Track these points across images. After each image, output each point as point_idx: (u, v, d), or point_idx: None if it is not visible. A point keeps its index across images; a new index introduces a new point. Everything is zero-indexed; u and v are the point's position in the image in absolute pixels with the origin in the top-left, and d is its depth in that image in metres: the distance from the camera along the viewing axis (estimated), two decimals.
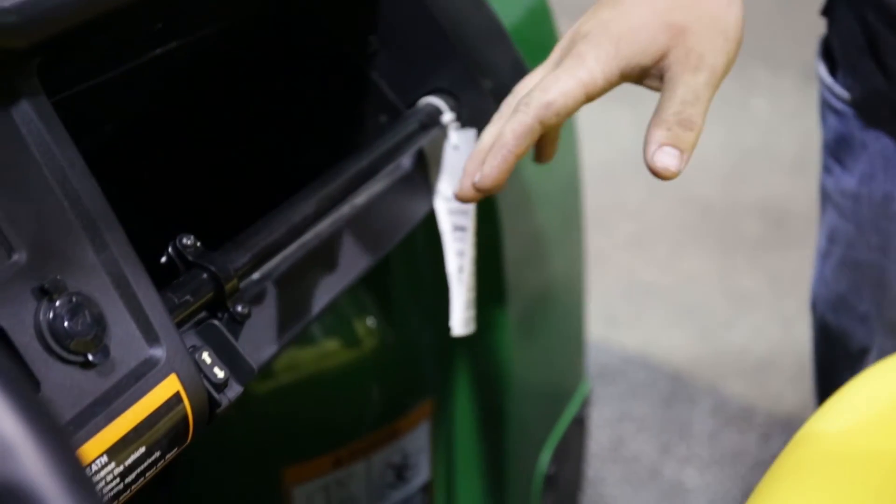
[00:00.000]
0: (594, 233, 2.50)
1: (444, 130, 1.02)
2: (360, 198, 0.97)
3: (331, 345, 1.19)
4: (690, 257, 2.66)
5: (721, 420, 2.17)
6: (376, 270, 1.08)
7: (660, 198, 2.83)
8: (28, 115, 0.72)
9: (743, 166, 3.00)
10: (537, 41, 1.18)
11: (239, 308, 0.83)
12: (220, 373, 0.77)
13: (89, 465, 0.66)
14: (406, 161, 1.01)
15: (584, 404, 1.42)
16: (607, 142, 2.98)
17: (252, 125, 1.06)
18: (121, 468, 0.68)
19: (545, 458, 1.33)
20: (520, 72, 1.04)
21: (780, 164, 2.98)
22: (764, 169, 2.99)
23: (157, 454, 0.71)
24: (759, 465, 2.07)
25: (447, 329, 1.13)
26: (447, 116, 1.02)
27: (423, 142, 1.01)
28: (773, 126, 3.10)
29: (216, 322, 0.81)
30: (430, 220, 1.05)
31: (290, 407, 1.17)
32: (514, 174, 1.20)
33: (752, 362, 2.33)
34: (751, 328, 2.45)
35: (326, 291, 0.94)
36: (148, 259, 0.79)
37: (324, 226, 0.94)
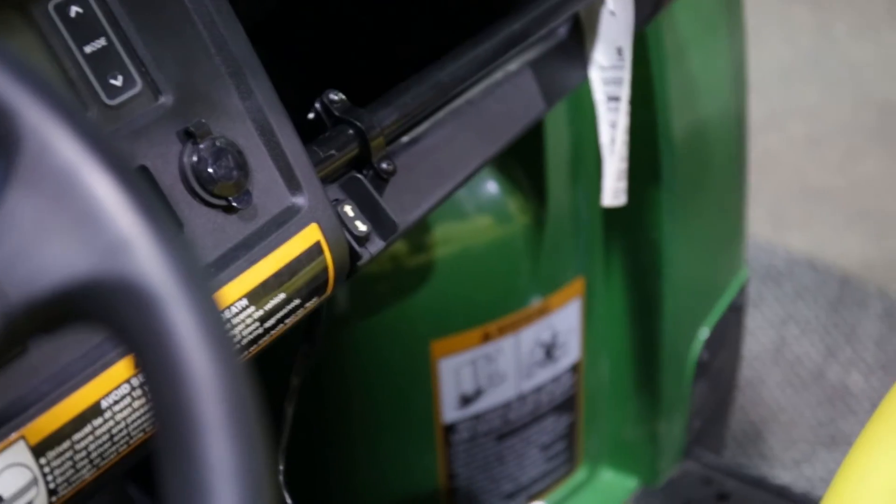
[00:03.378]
0: (767, 133, 2.45)
1: None
2: (513, 63, 0.97)
3: (482, 219, 1.19)
4: (866, 160, 2.58)
5: (890, 325, 2.13)
6: (527, 143, 1.08)
7: (837, 99, 2.76)
8: None
9: None
10: None
11: (384, 166, 0.84)
12: (362, 226, 0.79)
13: (229, 307, 0.69)
14: (561, 28, 1.00)
15: (742, 292, 1.41)
16: (785, 42, 2.93)
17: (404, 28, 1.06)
18: (260, 312, 0.70)
19: (698, 344, 1.33)
20: None
21: None
22: None
23: (297, 302, 0.72)
24: None
25: (600, 206, 1.13)
26: None
27: (580, 6, 0.99)
28: None
29: (360, 176, 0.82)
30: (585, 91, 1.05)
31: (439, 280, 1.18)
32: (678, 56, 1.20)
33: None
34: None
35: (474, 157, 0.94)
36: (296, 116, 0.80)
37: (475, 91, 0.94)
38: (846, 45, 2.91)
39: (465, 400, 1.20)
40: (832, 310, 2.16)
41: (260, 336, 0.70)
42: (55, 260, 0.46)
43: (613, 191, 1.05)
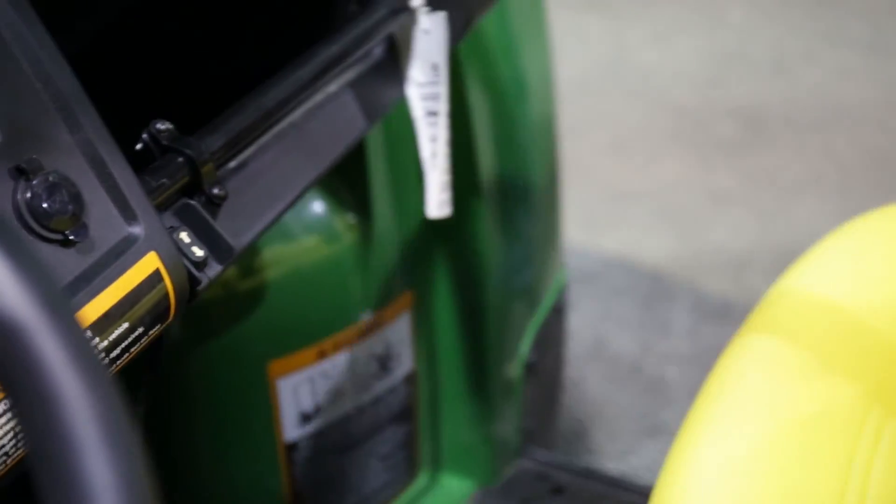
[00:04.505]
0: (572, 141, 2.51)
1: (413, 15, 1.02)
2: (333, 85, 0.97)
3: (310, 240, 1.19)
4: (668, 162, 2.66)
5: (700, 317, 2.20)
6: (351, 162, 1.09)
7: (636, 105, 2.83)
8: None
9: (718, 72, 3.00)
10: None
11: (216, 191, 0.84)
12: (199, 252, 0.78)
13: None
14: (377, 48, 1.01)
15: (562, 293, 1.44)
16: (581, 51, 3.00)
17: (223, 14, 1.06)
18: (105, 343, 0.69)
19: (525, 346, 1.35)
20: None
21: (754, 69, 2.99)
22: (739, 74, 3.00)
23: (141, 330, 0.72)
24: None
25: (425, 220, 1.14)
26: (416, 1, 1.02)
27: (394, 27, 1.01)
28: (748, 32, 3.10)
29: (193, 202, 0.82)
30: (403, 110, 1.06)
31: (272, 302, 1.18)
32: (491, 67, 1.21)
33: (730, 260, 2.35)
34: (728, 227, 2.47)
35: (301, 178, 0.94)
36: (124, 146, 0.80)
37: (297, 114, 0.94)
38: (639, 54, 3.00)
39: (306, 417, 1.20)
40: (645, 306, 2.22)
41: (106, 367, 0.70)
42: None
43: (438, 202, 1.06)
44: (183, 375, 1.16)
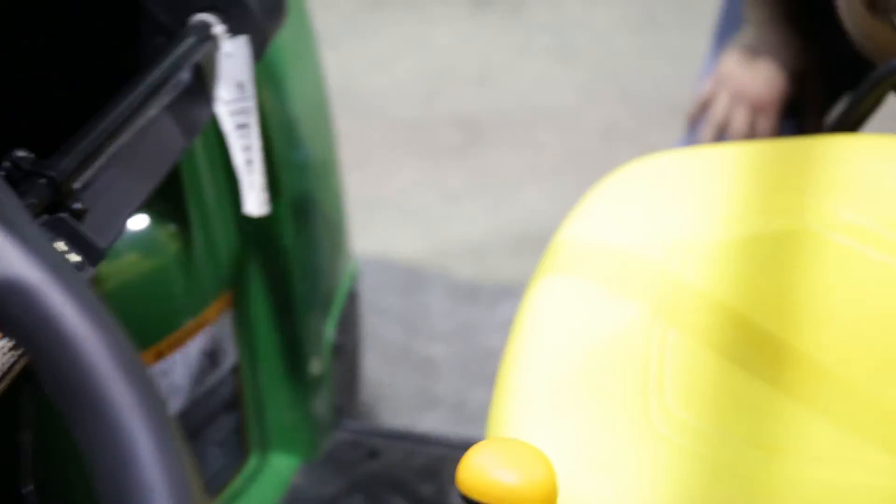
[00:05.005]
0: None
1: (216, 42, 1.04)
2: (153, 109, 0.98)
3: (135, 253, 1.18)
4: (405, 170, 2.68)
5: (454, 299, 2.25)
6: (170, 176, 1.09)
7: (371, 124, 2.85)
8: None
9: (435, 88, 3.04)
10: None
11: (77, 206, 0.86)
12: (76, 257, 0.81)
13: None
14: (185, 75, 1.02)
15: (354, 281, 1.48)
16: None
17: (51, 54, 1.06)
18: (10, 343, 0.71)
19: (330, 330, 1.39)
20: None
21: (465, 82, 3.02)
22: (452, 88, 3.05)
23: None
24: (491, 329, 2.17)
25: (237, 227, 1.17)
26: (217, 29, 1.04)
27: (199, 55, 1.03)
28: (455, 52, 3.15)
29: (63, 216, 0.84)
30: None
31: (111, 311, 1.14)
32: (278, 84, 1.23)
33: (472, 247, 2.40)
34: (465, 220, 2.51)
35: (142, 188, 0.97)
36: None
37: (127, 135, 0.95)
38: (364, 79, 3.03)
39: None
40: (405, 296, 2.26)
41: (14, 363, 0.71)
42: None
43: (258, 202, 1.09)
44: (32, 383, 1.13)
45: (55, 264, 0.49)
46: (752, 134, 1.63)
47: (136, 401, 0.46)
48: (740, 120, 1.62)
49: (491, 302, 2.26)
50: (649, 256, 1.13)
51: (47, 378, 0.46)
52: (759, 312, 1.09)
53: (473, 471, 0.80)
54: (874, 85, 1.29)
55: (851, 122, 1.32)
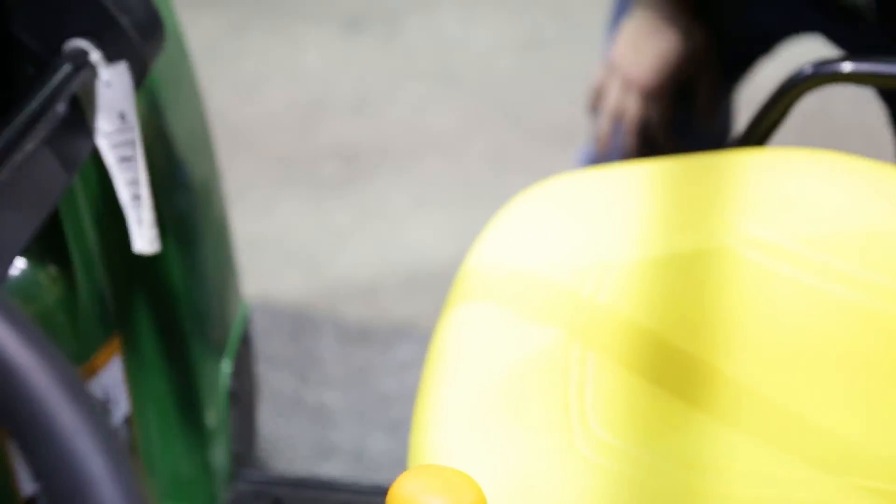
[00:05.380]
0: None
1: (94, 70, 1.04)
2: (30, 144, 0.97)
3: (17, 298, 1.15)
4: (285, 206, 2.70)
5: (345, 342, 2.27)
6: (49, 220, 1.08)
7: (244, 159, 2.85)
8: None
9: (310, 116, 3.04)
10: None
11: None
12: None
13: None
14: (62, 106, 1.01)
15: (247, 323, 1.48)
16: None
17: None
18: None
19: (225, 377, 1.39)
20: (156, 14, 1.09)
21: (342, 111, 3.05)
22: (329, 117, 3.05)
23: None
24: (386, 373, 2.19)
25: (123, 265, 1.17)
26: (94, 56, 1.04)
27: (75, 85, 1.03)
28: (328, 79, 3.19)
29: None
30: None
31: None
32: (156, 115, 1.24)
33: (360, 287, 2.42)
34: (353, 258, 2.53)
35: (24, 229, 0.97)
36: None
37: (3, 174, 0.93)
38: (232, 111, 3.02)
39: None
40: (293, 342, 2.27)
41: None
42: None
43: (148, 239, 1.10)
44: None
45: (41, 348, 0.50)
46: (645, 121, 1.65)
47: (83, 423, 0.49)
48: (632, 108, 1.64)
49: (384, 344, 2.27)
50: (561, 280, 1.15)
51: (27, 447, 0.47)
52: (676, 332, 1.12)
53: (403, 499, 0.81)
54: (779, 96, 1.32)
55: (759, 134, 1.35)
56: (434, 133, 2.95)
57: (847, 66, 1.31)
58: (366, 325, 2.33)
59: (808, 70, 1.30)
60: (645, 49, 1.64)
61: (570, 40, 3.22)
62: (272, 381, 2.16)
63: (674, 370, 1.10)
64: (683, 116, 1.68)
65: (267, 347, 2.23)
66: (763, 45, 1.70)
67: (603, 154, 1.73)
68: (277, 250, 2.57)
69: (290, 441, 2.05)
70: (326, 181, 2.80)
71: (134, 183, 1.09)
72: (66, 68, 1.03)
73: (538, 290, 1.15)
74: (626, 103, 1.66)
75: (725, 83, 1.72)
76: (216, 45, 3.22)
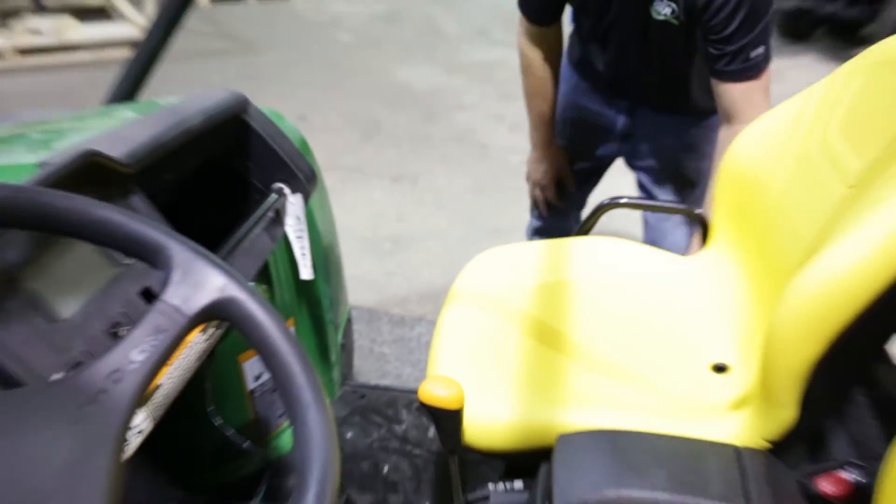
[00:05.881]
0: None
1: (286, 196, 1.07)
2: (257, 230, 1.00)
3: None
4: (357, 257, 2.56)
5: (392, 324, 2.23)
6: (264, 264, 1.08)
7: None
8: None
9: (377, 225, 2.86)
10: (307, 153, 1.21)
11: None
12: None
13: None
14: (271, 213, 1.04)
15: (349, 315, 1.47)
16: None
17: (199, 216, 1.04)
18: (204, 337, 0.70)
19: (339, 336, 1.39)
20: (313, 172, 1.10)
21: (392, 216, 2.89)
22: (386, 220, 2.88)
23: (214, 331, 0.72)
24: (413, 339, 2.12)
25: (296, 284, 1.18)
26: (286, 190, 1.07)
27: (277, 203, 1.05)
28: (387, 202, 3.02)
29: None
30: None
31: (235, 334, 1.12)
32: (312, 221, 1.21)
33: (399, 297, 2.40)
34: (395, 284, 2.43)
35: (251, 270, 0.95)
36: None
37: (245, 242, 0.95)
38: None
39: (256, 378, 1.17)
40: (369, 324, 2.24)
41: (204, 350, 0.70)
42: (202, 297, 0.52)
43: (307, 272, 1.12)
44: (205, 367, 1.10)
45: (248, 289, 0.54)
46: (545, 199, 1.74)
47: (293, 350, 0.52)
48: (539, 194, 1.74)
49: (410, 326, 2.18)
50: (504, 293, 1.17)
51: (253, 343, 0.51)
52: (554, 320, 1.14)
53: (426, 391, 0.84)
54: (595, 212, 1.34)
55: (586, 230, 1.35)
56: (430, 229, 2.84)
57: (623, 200, 1.35)
58: (402, 316, 2.26)
59: (607, 201, 1.34)
60: (539, 165, 1.71)
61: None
62: (358, 341, 2.12)
63: (549, 336, 1.11)
64: (560, 192, 1.74)
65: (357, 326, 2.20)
66: (599, 166, 1.72)
67: (536, 214, 1.82)
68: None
69: (366, 370, 2.03)
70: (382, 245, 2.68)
71: (303, 247, 1.10)
72: (273, 196, 1.05)
73: (491, 297, 1.16)
74: (536, 191, 1.75)
75: (582, 180, 1.75)
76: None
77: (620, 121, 1.56)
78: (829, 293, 0.66)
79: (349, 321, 1.45)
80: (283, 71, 4.54)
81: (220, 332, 0.76)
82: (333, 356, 1.37)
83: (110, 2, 5.28)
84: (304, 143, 1.23)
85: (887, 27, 4.67)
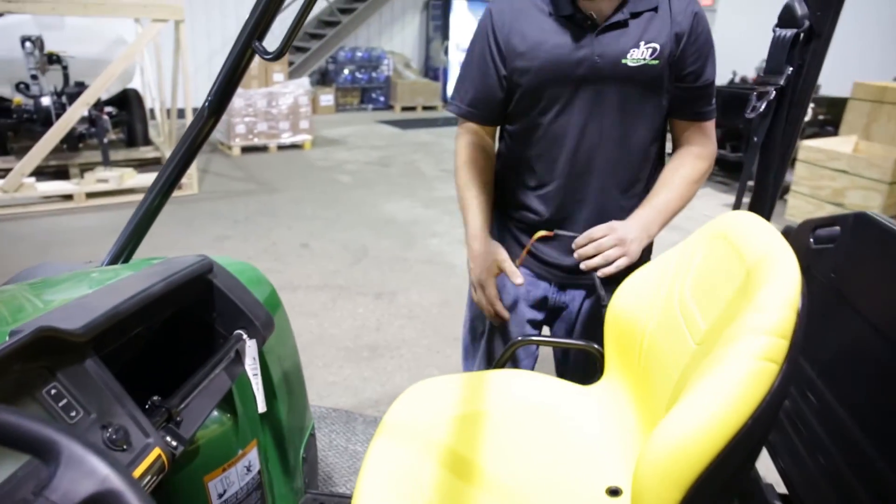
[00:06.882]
0: None
1: (245, 341, 1.02)
2: (218, 369, 0.96)
3: (215, 425, 1.06)
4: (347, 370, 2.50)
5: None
6: (229, 395, 1.04)
7: (323, 351, 2.69)
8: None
9: (359, 334, 2.79)
10: (270, 301, 1.16)
11: (178, 419, 0.85)
12: (174, 443, 0.79)
13: (138, 479, 0.66)
14: (231, 354, 1.00)
15: (312, 430, 1.37)
16: None
17: (168, 358, 1.01)
18: (144, 482, 0.68)
19: (301, 451, 1.30)
20: (270, 319, 1.04)
21: (372, 325, 2.84)
22: (367, 330, 2.82)
23: (154, 477, 0.70)
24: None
25: (258, 412, 1.11)
26: (245, 336, 1.02)
27: (237, 346, 1.01)
28: (370, 314, 3.07)
29: (171, 425, 0.82)
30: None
31: (203, 451, 1.04)
32: (269, 358, 1.16)
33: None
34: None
35: (209, 405, 0.92)
36: (141, 406, 0.78)
37: (204, 383, 0.91)
38: None
39: (220, 496, 1.09)
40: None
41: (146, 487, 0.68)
42: (82, 489, 0.46)
43: (262, 405, 1.06)
44: (167, 491, 1.00)
45: (131, 483, 0.47)
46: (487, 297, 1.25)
47: None
48: (480, 293, 1.25)
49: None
50: (424, 425, 1.08)
51: None
52: (468, 451, 1.04)
53: None
54: (508, 348, 1.22)
55: (498, 364, 1.24)
56: (404, 338, 2.78)
57: (534, 337, 1.26)
58: (375, 417, 2.11)
59: (519, 338, 1.26)
60: (477, 262, 1.24)
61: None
62: (335, 440, 1.96)
63: (461, 466, 1.01)
64: (501, 287, 1.29)
65: (335, 426, 2.06)
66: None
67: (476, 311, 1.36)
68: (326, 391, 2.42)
69: (340, 466, 1.87)
70: (360, 354, 2.62)
71: (258, 384, 1.05)
72: (234, 339, 1.00)
73: (415, 429, 1.07)
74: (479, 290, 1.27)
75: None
76: (317, 307, 3.10)
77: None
78: (676, 453, 0.61)
79: (312, 436, 1.35)
80: (294, 207, 4.58)
81: (156, 479, 0.72)
82: (294, 469, 1.27)
83: (163, 154, 5.43)
84: (273, 294, 1.18)
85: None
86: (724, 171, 5.58)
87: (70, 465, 0.46)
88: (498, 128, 1.24)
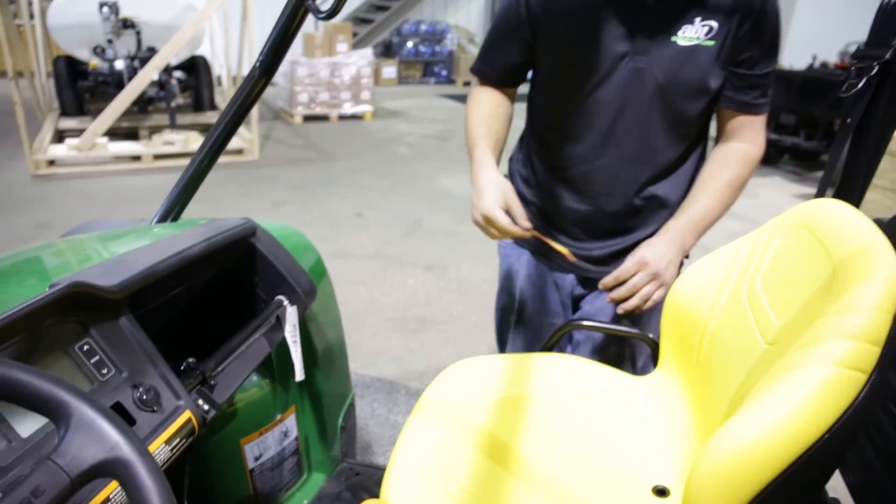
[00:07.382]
0: None
1: (285, 307, 1.00)
2: (257, 334, 0.94)
3: (254, 389, 1.09)
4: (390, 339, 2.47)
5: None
6: (264, 362, 1.05)
7: (372, 321, 2.69)
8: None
9: (409, 305, 2.81)
10: (315, 269, 1.14)
11: (212, 382, 0.84)
12: (206, 407, 0.78)
13: (160, 447, 0.64)
14: (272, 319, 0.98)
15: (352, 399, 1.36)
16: None
17: (208, 321, 0.98)
18: (170, 447, 0.67)
19: (340, 419, 1.29)
20: (313, 287, 1.02)
21: (422, 293, 2.87)
22: (415, 302, 2.81)
23: (183, 440, 0.69)
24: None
25: (296, 380, 1.09)
26: (286, 302, 1.00)
27: (277, 311, 0.99)
28: (424, 284, 2.95)
29: (204, 388, 0.81)
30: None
31: (241, 415, 1.06)
32: (313, 324, 1.14)
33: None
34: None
35: (245, 372, 0.90)
36: (175, 368, 0.78)
37: (242, 347, 0.90)
38: None
39: (256, 458, 1.11)
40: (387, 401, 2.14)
41: (170, 457, 0.66)
42: (90, 455, 0.44)
43: (300, 373, 1.04)
44: (204, 451, 1.05)
45: (141, 451, 0.44)
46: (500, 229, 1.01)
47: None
48: (491, 229, 1.03)
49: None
50: (464, 404, 1.04)
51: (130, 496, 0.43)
52: (507, 434, 0.99)
53: None
54: (557, 331, 1.16)
55: (545, 347, 1.18)
56: (452, 312, 2.69)
57: (585, 322, 1.18)
58: (418, 390, 2.09)
59: (574, 317, 1.21)
60: (493, 193, 1.04)
61: None
62: (377, 409, 1.95)
63: (500, 452, 0.96)
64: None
65: (378, 396, 2.04)
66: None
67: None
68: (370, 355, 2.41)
69: (381, 436, 1.86)
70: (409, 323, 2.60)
71: (297, 351, 1.03)
72: (274, 306, 0.98)
73: (454, 409, 1.03)
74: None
75: None
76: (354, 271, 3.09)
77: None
78: (739, 461, 0.53)
79: (351, 405, 1.34)
80: (351, 176, 4.60)
81: (187, 442, 0.70)
82: (331, 437, 1.27)
83: None
84: (319, 262, 1.16)
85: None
86: (796, 159, 5.24)
87: (79, 429, 0.44)
88: (525, 105, 1.13)
